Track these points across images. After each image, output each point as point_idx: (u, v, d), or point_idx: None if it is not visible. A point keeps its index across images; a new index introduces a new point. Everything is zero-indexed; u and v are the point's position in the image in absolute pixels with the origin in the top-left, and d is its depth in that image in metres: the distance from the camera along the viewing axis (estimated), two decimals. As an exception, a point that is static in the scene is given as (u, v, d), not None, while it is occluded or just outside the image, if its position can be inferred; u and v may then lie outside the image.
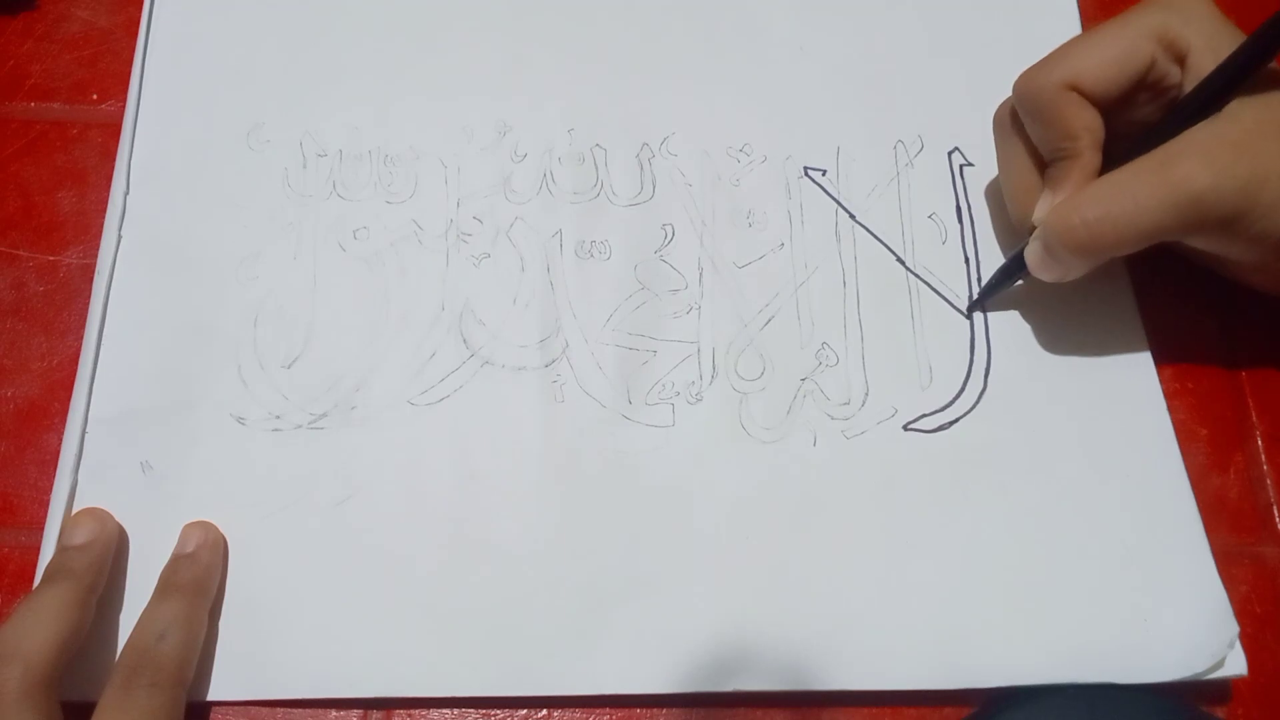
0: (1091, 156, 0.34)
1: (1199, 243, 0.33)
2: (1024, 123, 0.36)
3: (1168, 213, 0.31)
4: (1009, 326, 0.38)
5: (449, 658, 0.32)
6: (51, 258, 0.38)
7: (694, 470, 0.35)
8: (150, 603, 0.32)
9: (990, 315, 0.38)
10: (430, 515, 0.34)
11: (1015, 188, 0.37)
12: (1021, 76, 0.35)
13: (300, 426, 0.35)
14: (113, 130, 0.39)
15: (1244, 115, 0.32)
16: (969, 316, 0.38)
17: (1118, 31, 0.34)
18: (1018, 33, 0.41)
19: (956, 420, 0.36)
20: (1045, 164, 0.35)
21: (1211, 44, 0.32)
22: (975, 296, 0.38)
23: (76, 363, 0.36)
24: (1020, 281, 0.37)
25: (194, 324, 0.36)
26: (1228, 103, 0.32)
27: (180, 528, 0.33)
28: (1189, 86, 0.33)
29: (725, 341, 0.37)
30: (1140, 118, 0.35)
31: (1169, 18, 0.33)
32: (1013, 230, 0.38)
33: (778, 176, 0.40)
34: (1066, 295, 0.38)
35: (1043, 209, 0.35)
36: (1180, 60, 0.33)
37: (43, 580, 0.31)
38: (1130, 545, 0.34)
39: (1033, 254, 0.35)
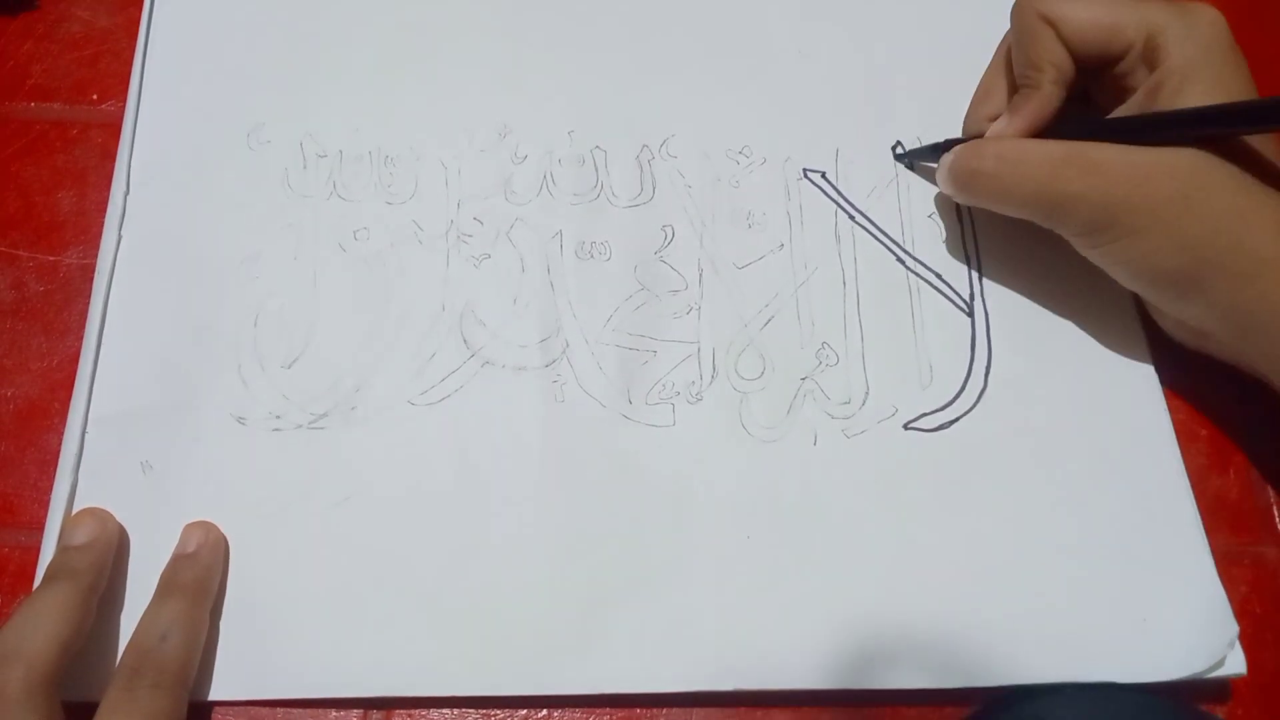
0: (1052, 92, 0.35)
1: (1078, 245, 0.35)
2: (1011, 39, 0.37)
3: (1035, 198, 0.34)
4: (1009, 326, 0.38)
5: (449, 657, 0.32)
6: (51, 258, 0.38)
7: (694, 470, 0.35)
8: (151, 603, 0.31)
9: (991, 314, 0.38)
10: (430, 515, 0.34)
11: (980, 92, 0.39)
12: None
13: (300, 426, 0.35)
14: (113, 130, 0.39)
15: (1179, 168, 0.32)
16: (899, 161, 0.40)
17: (1119, 5, 0.35)
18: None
19: (957, 419, 0.36)
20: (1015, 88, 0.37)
21: (1189, 72, 0.33)
22: (905, 152, 0.41)
23: (76, 363, 0.35)
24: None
25: (194, 324, 0.36)
26: (1167, 144, 0.32)
27: (181, 527, 0.33)
28: (1144, 97, 0.34)
29: (725, 341, 0.37)
30: (1095, 97, 0.37)
31: (1170, 24, 0.33)
32: (1012, 227, 0.38)
33: (777, 178, 0.40)
34: (1067, 295, 0.38)
35: (996, 128, 0.36)
36: (1152, 68, 0.34)
37: (44, 580, 0.31)
38: (1130, 545, 0.34)
39: (940, 166, 0.37)
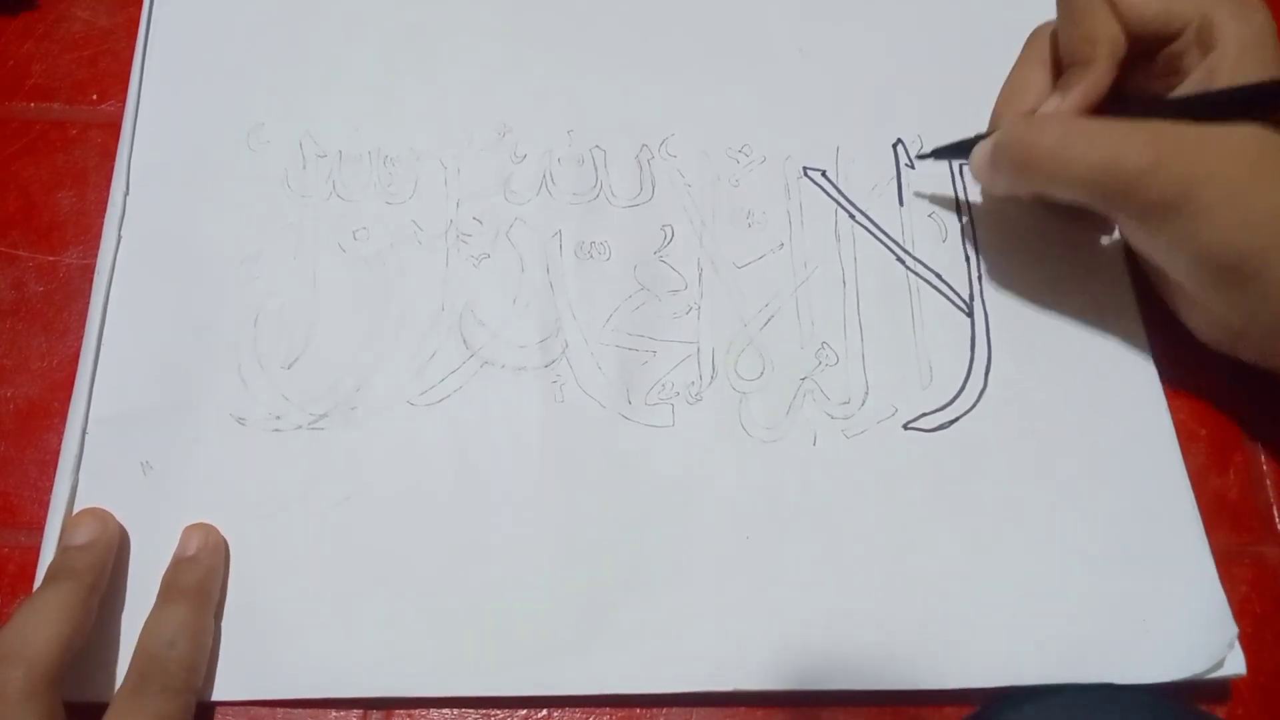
0: (1106, 68, 0.34)
1: (1131, 231, 0.34)
2: (1058, 17, 0.36)
3: (1102, 174, 0.32)
4: (1009, 325, 0.38)
5: (449, 658, 0.32)
6: (51, 258, 0.38)
7: (694, 470, 0.35)
8: (155, 608, 0.32)
9: (991, 314, 0.38)
10: (430, 515, 0.34)
11: (1010, 87, 0.38)
12: None
13: (300, 426, 0.35)
14: (113, 130, 0.39)
15: (1248, 143, 0.31)
16: (920, 159, 0.40)
17: None
18: (1018, 34, 0.41)
19: (956, 419, 0.36)
20: (1057, 74, 0.36)
21: (1245, 52, 0.32)
22: (930, 151, 0.39)
23: (76, 363, 0.36)
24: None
25: (194, 324, 0.36)
26: (1226, 122, 0.32)
27: (181, 528, 0.33)
28: (1203, 76, 0.33)
29: (725, 341, 0.37)
30: (1141, 84, 0.36)
31: (1223, 5, 0.33)
32: (1012, 226, 0.38)
33: (777, 177, 0.40)
34: (1067, 294, 0.38)
35: (1049, 106, 0.35)
36: (1205, 51, 0.33)
37: (44, 581, 0.31)
38: (1130, 545, 0.34)
39: (980, 150, 0.36)
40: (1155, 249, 0.34)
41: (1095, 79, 0.34)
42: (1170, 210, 0.32)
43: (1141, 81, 0.36)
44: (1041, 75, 0.37)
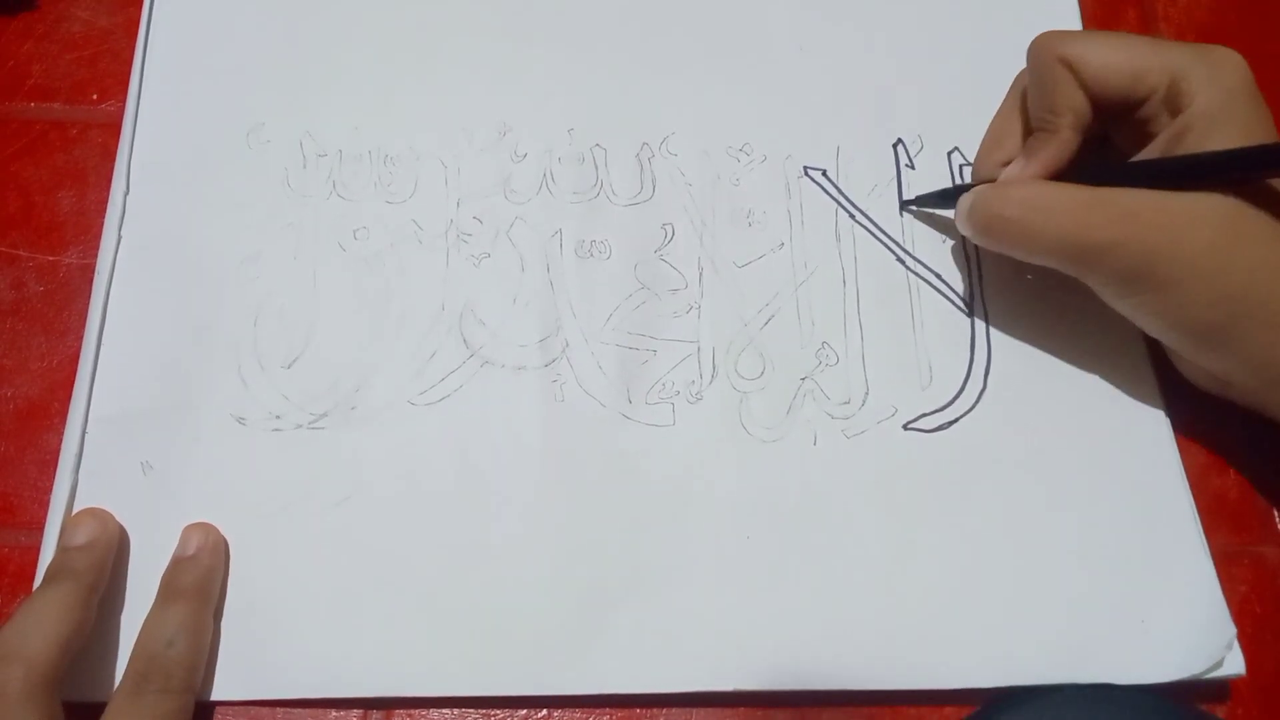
0: (1069, 137, 0.34)
1: (1101, 294, 0.34)
2: (1028, 80, 0.36)
3: (1063, 246, 0.33)
4: (1009, 326, 0.38)
5: (449, 658, 0.33)
6: (51, 258, 0.38)
7: (694, 470, 0.35)
8: (155, 607, 0.32)
9: (991, 315, 0.38)
10: (430, 515, 0.34)
11: (991, 136, 0.38)
12: (1038, 35, 0.35)
13: (300, 426, 0.35)
14: (113, 130, 0.39)
15: (1211, 215, 0.31)
16: (905, 209, 0.40)
17: (1140, 49, 0.33)
18: (1018, 33, 0.41)
19: (956, 420, 0.36)
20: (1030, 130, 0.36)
21: (1214, 117, 0.31)
22: (911, 198, 0.39)
23: (76, 363, 0.36)
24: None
25: (194, 324, 0.36)
26: (1194, 189, 0.31)
27: (181, 528, 0.33)
28: (1167, 142, 0.32)
29: (725, 341, 0.37)
30: (1119, 140, 0.36)
31: (1194, 68, 0.32)
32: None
33: (778, 176, 0.40)
34: (1067, 295, 0.38)
35: (1011, 171, 0.35)
36: (1175, 113, 0.33)
37: (44, 581, 0.31)
38: (1129, 546, 0.34)
39: (960, 206, 0.36)
40: (1125, 312, 0.34)
41: (1056, 150, 0.34)
42: (1135, 283, 0.32)
43: (1119, 138, 0.36)
44: (1019, 126, 0.37)
